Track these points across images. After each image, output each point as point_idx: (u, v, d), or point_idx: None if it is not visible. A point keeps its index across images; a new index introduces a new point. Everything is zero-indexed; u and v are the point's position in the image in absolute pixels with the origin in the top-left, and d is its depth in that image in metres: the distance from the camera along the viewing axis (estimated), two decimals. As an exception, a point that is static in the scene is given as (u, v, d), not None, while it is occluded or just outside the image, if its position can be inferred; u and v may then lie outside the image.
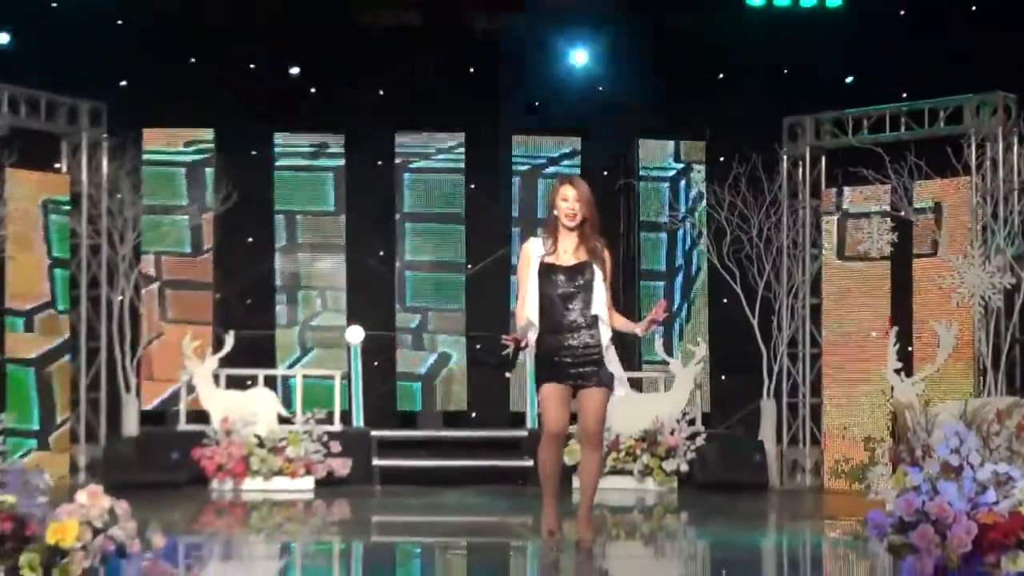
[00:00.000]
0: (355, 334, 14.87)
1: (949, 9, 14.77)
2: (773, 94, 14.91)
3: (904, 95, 14.24)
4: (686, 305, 15.48)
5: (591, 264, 7.69)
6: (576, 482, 12.65)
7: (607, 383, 7.76)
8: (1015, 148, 13.06)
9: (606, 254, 7.77)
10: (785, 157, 14.69)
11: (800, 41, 14.98)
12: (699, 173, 15.46)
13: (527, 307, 7.71)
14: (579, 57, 15.79)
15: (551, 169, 15.27)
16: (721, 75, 15.63)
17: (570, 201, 7.72)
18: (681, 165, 15.49)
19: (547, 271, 7.73)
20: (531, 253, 7.77)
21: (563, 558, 7.82)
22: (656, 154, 15.53)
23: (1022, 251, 12.77)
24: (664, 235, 15.50)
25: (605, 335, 7.70)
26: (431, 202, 15.55)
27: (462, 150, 15.53)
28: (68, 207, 14.03)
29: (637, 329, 7.87)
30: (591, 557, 7.86)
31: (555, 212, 7.75)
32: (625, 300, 15.58)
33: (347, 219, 15.38)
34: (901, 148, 13.47)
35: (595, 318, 7.68)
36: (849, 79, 15.51)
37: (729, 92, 15.22)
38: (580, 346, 7.73)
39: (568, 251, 7.76)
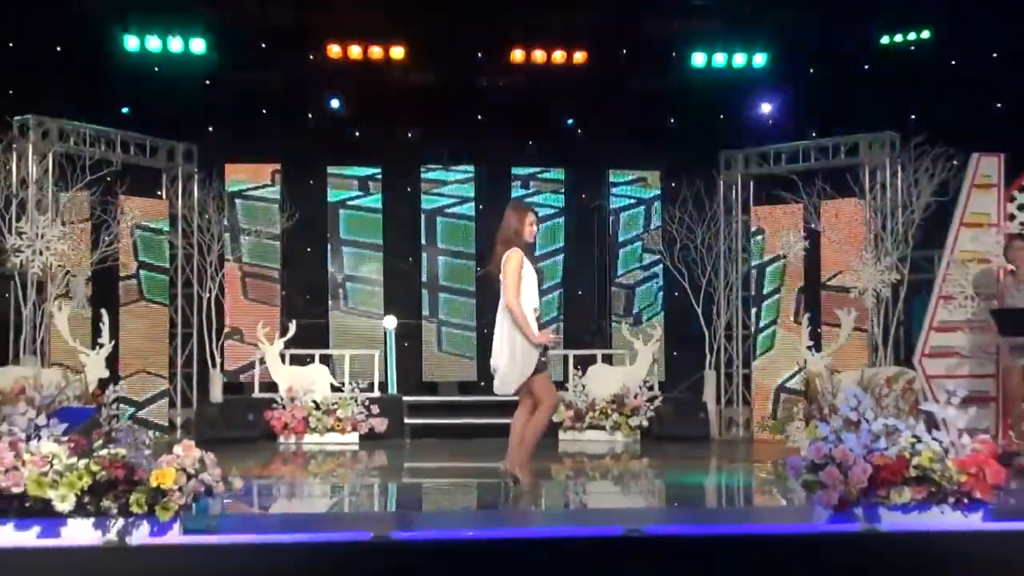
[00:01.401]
0: (390, 321, 14.89)
1: (848, 68, 14.72)
2: (712, 134, 14.82)
3: (813, 133, 14.11)
4: (646, 297, 15.42)
5: (539, 271, 8.04)
6: (562, 435, 12.89)
7: None
8: (899, 175, 12.85)
9: None
10: (722, 182, 14.50)
11: (734, 93, 14.99)
12: (657, 194, 15.48)
13: (532, 300, 7.73)
14: (564, 107, 15.72)
15: (539, 197, 15.28)
16: (672, 120, 15.57)
17: (534, 225, 7.90)
18: (651, 192, 15.37)
19: (536, 274, 7.83)
20: (524, 260, 7.75)
21: (550, 492, 7.86)
22: (646, 181, 15.45)
23: (905, 254, 12.67)
24: (630, 245, 15.48)
25: None
26: (449, 219, 15.57)
27: (472, 180, 15.56)
28: (163, 227, 13.93)
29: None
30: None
31: (520, 232, 7.81)
32: (598, 296, 15.53)
33: (384, 232, 15.34)
34: (811, 175, 13.37)
35: None
36: (770, 122, 15.53)
37: (678, 133, 15.24)
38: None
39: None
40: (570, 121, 15.87)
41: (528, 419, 7.93)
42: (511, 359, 7.75)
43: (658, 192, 15.42)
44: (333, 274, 15.31)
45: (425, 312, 15.47)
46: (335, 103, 15.44)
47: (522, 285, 7.72)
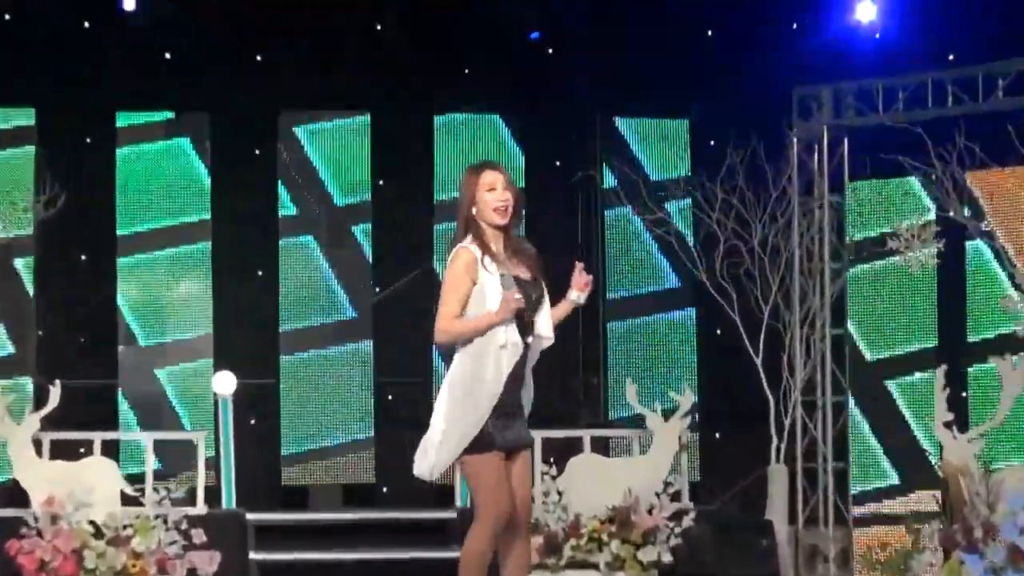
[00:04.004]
0: (225, 383, 14.61)
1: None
2: (779, 57, 14.97)
3: (951, 57, 14.33)
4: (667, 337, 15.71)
5: (539, 278, 7.68)
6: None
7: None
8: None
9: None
10: (796, 140, 14.54)
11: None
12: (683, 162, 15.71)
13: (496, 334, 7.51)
14: (523, 15, 15.85)
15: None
16: (709, 32, 15.66)
17: (499, 190, 7.66)
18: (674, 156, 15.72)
19: (509, 284, 7.55)
20: (478, 262, 7.59)
21: None
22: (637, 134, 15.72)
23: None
24: (637, 246, 15.76)
25: None
26: (327, 200, 15.76)
27: (367, 131, 15.68)
28: None
29: (571, 299, 7.75)
30: None
31: (474, 209, 7.66)
32: (584, 335, 15.82)
33: (215, 226, 15.42)
34: (947, 127, 13.53)
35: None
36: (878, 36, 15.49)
37: (721, 56, 15.36)
38: (528, 391, 7.80)
39: (508, 260, 7.68)
40: (534, 35, 15.95)
41: (520, 548, 7.71)
42: (438, 420, 7.68)
43: (685, 157, 15.63)
44: (127, 301, 15.36)
45: (286, 366, 15.46)
46: (129, 4, 15.21)
47: (476, 306, 7.56)
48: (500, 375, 7.53)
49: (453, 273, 7.59)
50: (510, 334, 7.48)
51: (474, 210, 7.65)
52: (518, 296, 7.39)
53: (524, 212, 7.80)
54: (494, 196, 7.63)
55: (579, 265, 7.74)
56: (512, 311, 7.41)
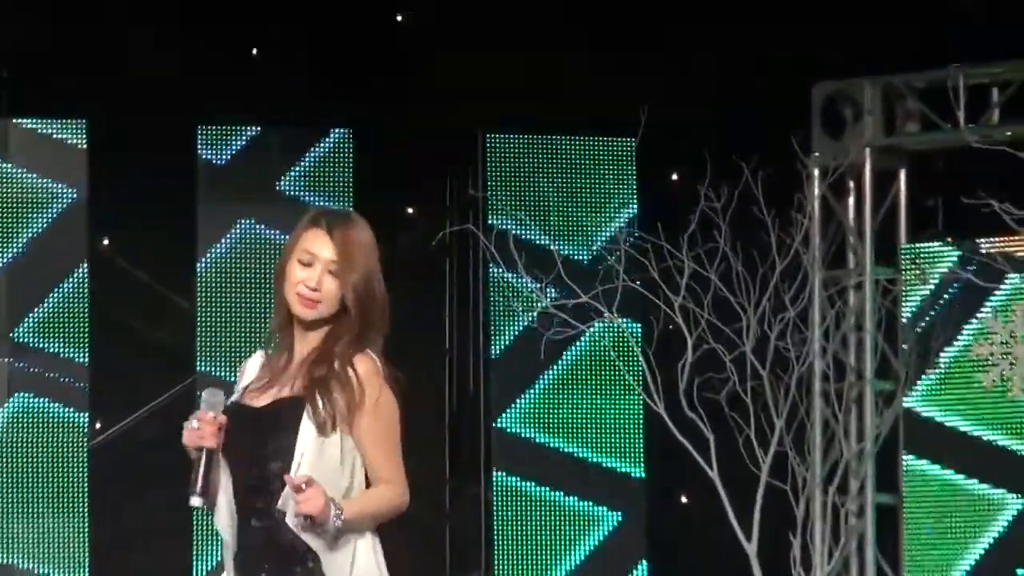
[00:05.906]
0: None
1: None
2: (789, 28, 13.91)
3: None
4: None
5: (302, 401, 6.47)
6: None
7: None
8: None
9: (365, 377, 6.35)
10: (817, 173, 13.35)
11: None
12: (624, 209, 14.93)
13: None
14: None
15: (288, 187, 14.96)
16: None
17: (314, 269, 6.57)
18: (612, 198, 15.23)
19: (236, 415, 6.65)
20: (245, 375, 6.82)
21: None
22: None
23: None
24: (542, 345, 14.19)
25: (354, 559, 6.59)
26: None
27: (83, 145, 14.91)
28: None
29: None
30: None
31: (283, 278, 6.70)
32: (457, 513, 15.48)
33: None
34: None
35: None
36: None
37: (692, 30, 14.39)
38: None
39: (307, 378, 6.54)
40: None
41: None
42: None
43: (631, 197, 14.74)
44: None
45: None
46: None
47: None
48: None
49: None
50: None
51: (283, 279, 6.74)
52: (214, 415, 6.49)
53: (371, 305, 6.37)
54: (304, 274, 6.60)
55: (289, 479, 6.45)
56: (194, 441, 6.55)
